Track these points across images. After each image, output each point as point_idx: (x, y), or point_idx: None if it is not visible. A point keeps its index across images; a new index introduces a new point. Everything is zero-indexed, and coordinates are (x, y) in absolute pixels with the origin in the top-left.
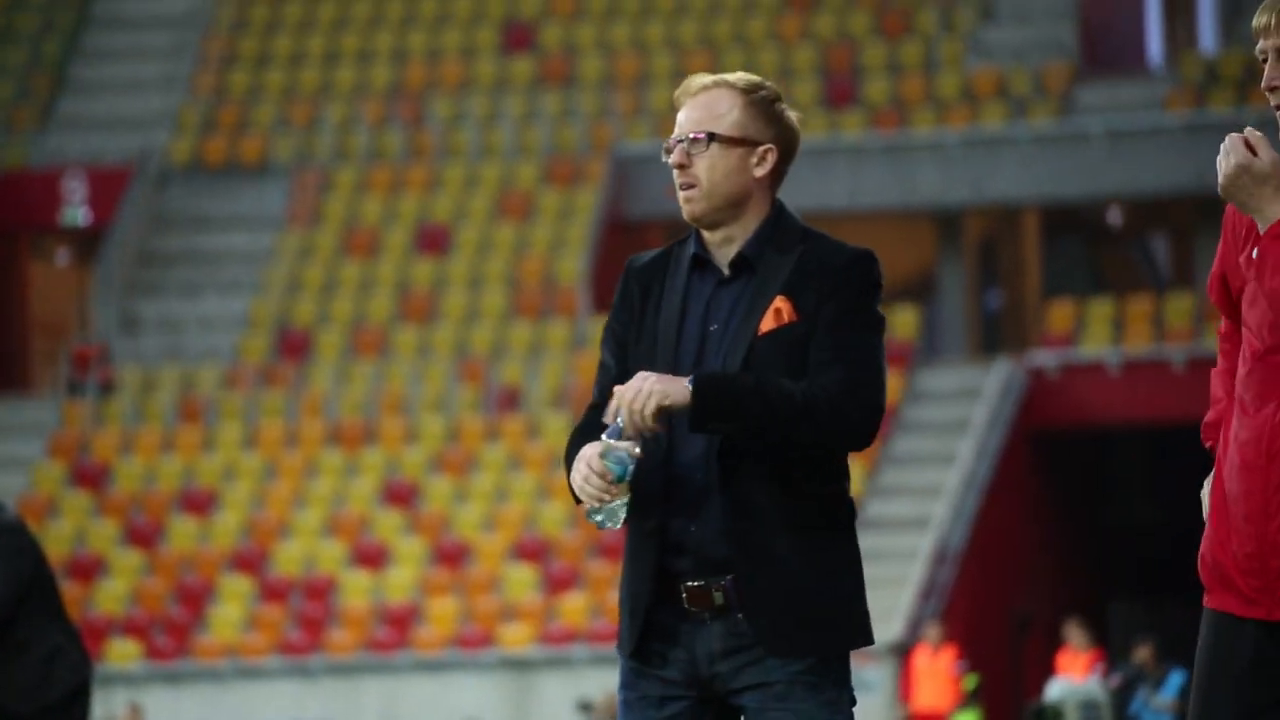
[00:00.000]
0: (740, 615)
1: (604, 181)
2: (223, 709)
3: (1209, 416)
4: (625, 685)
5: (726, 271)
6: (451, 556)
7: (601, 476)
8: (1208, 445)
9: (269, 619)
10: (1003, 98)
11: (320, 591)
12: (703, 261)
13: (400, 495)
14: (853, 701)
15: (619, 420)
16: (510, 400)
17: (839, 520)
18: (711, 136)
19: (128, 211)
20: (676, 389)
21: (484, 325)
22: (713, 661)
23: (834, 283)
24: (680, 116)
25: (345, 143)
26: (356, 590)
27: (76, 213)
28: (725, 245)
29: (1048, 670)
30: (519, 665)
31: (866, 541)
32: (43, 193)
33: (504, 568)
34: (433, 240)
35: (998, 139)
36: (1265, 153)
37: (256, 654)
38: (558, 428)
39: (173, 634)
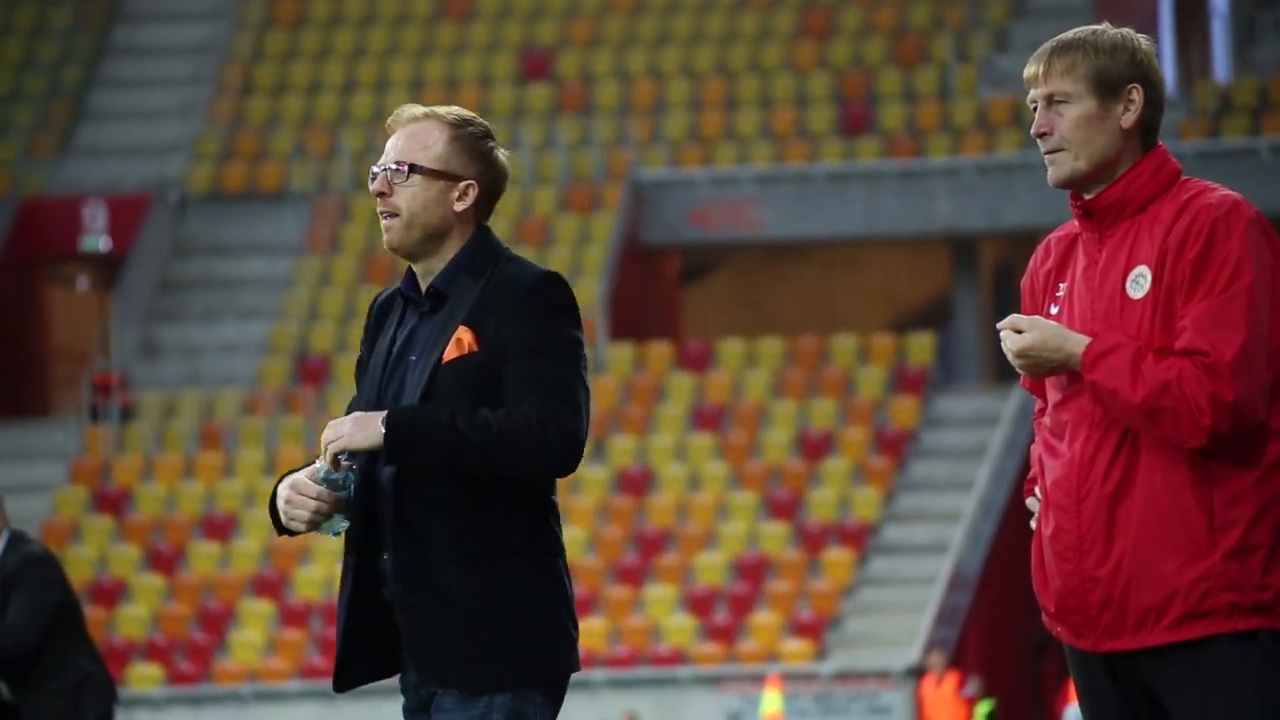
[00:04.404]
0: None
1: (621, 208)
2: None
3: (1030, 475)
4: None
5: (426, 304)
6: None
7: (318, 497)
8: (1028, 500)
9: (290, 642)
10: (1017, 125)
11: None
12: (409, 298)
13: None
14: None
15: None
16: None
17: (523, 549)
18: (413, 168)
19: (147, 238)
20: (366, 433)
21: None
22: (418, 688)
23: (516, 308)
24: (388, 145)
25: (363, 170)
26: None
27: (96, 240)
28: (426, 278)
29: (1065, 695)
30: None
31: (883, 566)
32: (63, 220)
33: None
34: None
35: (1013, 166)
36: (1027, 325)
37: (277, 677)
38: None
39: (194, 658)
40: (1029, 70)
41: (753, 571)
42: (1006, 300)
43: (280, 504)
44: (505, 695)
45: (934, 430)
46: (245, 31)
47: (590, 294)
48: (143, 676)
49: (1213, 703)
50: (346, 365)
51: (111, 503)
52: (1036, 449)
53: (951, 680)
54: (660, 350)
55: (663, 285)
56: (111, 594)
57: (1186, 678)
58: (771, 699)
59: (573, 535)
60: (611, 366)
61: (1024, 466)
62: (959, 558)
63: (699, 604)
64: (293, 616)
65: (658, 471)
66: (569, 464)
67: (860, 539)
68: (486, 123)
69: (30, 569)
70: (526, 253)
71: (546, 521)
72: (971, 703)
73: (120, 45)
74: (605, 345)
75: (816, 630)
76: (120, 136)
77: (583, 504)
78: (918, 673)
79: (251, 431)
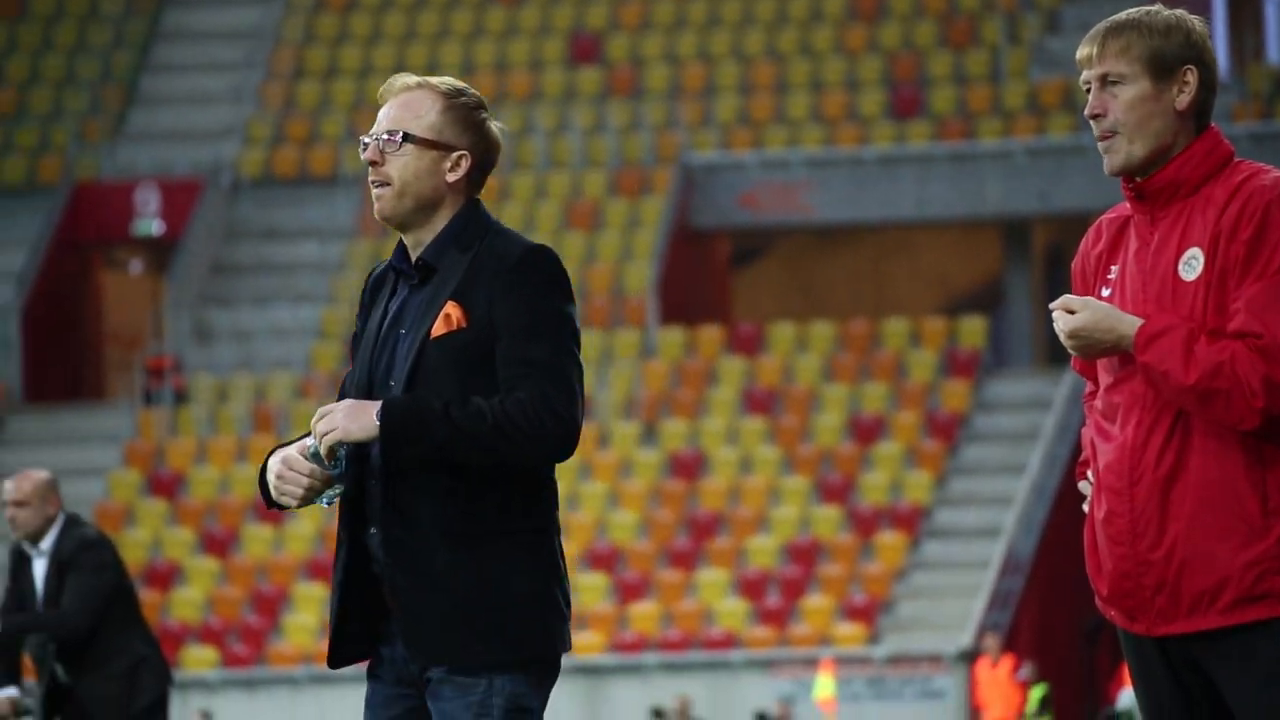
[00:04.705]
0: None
1: (671, 191)
2: (298, 715)
3: (1082, 458)
4: (367, 689)
5: (415, 277)
6: None
7: (310, 475)
8: (1080, 483)
9: None
10: (1069, 108)
11: None
12: (400, 270)
13: None
14: (523, 712)
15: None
16: None
17: (516, 528)
18: (406, 136)
19: (199, 222)
20: (361, 424)
21: None
22: (407, 661)
23: (505, 283)
24: (380, 114)
25: None
26: None
27: (149, 224)
28: (416, 249)
29: (1119, 679)
30: (591, 672)
31: (936, 550)
32: (116, 204)
33: (575, 575)
34: None
35: (1064, 149)
36: (1079, 305)
37: None
38: (627, 435)
39: (248, 641)
40: (1082, 51)
41: (805, 555)
42: (1058, 283)
43: (271, 478)
44: (504, 678)
45: (986, 414)
46: (296, 15)
47: (641, 278)
48: (197, 659)
49: (1266, 686)
50: None
51: (165, 486)
52: (1088, 432)
53: (1007, 664)
54: (711, 334)
55: (713, 269)
56: (165, 577)
57: (1240, 661)
58: (824, 683)
59: (624, 519)
60: (662, 350)
61: (1076, 450)
62: (1011, 542)
63: (751, 587)
64: None
65: (709, 455)
66: (566, 451)
67: (912, 523)
68: (478, 93)
69: (84, 552)
70: (576, 236)
71: (540, 499)
72: (1025, 687)
73: (171, 30)
74: (656, 329)
75: (869, 614)
76: (172, 121)
77: (634, 488)
78: (971, 657)
79: (304, 415)
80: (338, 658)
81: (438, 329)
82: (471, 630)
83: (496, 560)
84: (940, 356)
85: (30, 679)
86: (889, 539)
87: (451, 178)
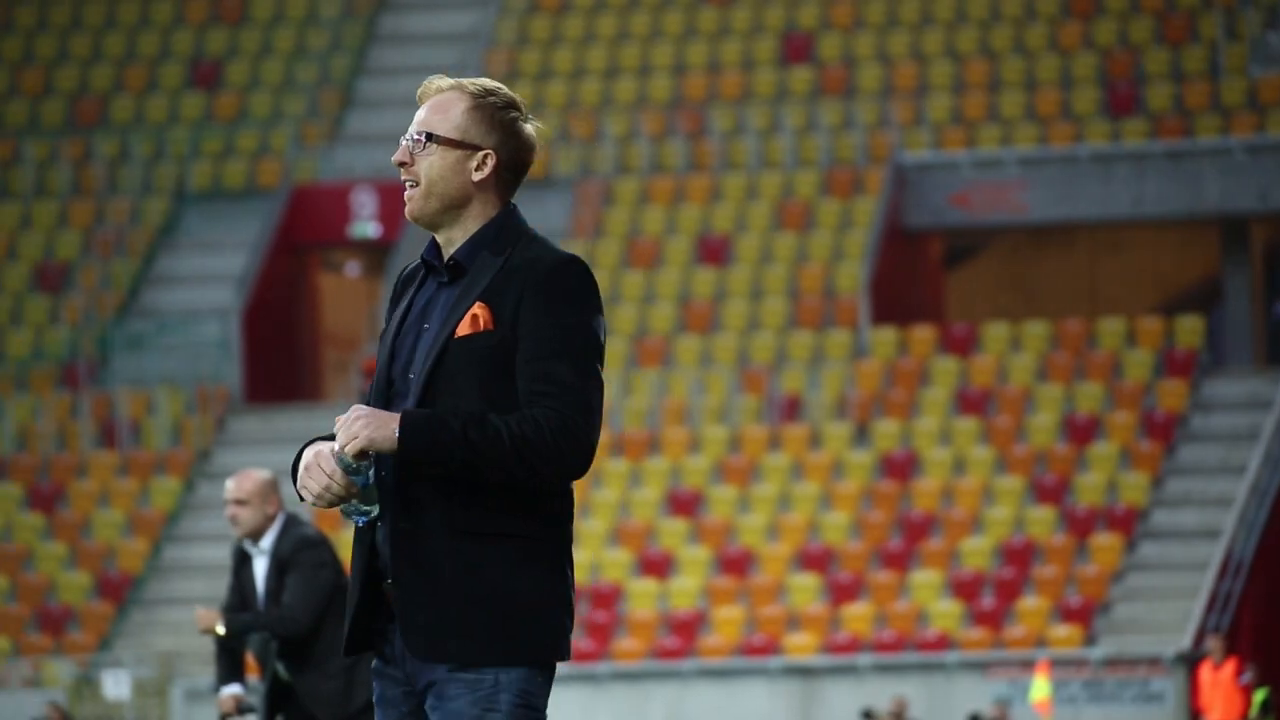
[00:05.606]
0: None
1: (883, 191)
2: None
3: None
4: (377, 688)
5: (445, 275)
6: (736, 565)
7: (331, 475)
8: None
9: None
10: None
11: (607, 599)
12: (431, 265)
13: (684, 504)
14: (530, 710)
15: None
16: (792, 410)
17: (521, 530)
18: (430, 136)
19: (415, 225)
20: (384, 434)
21: (765, 335)
22: (405, 660)
23: (535, 292)
24: (415, 116)
25: (626, 155)
26: (643, 598)
27: (366, 226)
28: (448, 248)
29: None
30: (803, 673)
31: (1153, 551)
32: (333, 206)
33: (788, 576)
34: (713, 251)
35: None
36: None
37: None
38: (839, 436)
39: None
40: None
41: (1019, 556)
42: (1278, 281)
43: (300, 469)
44: (511, 673)
45: (1203, 414)
46: (509, 18)
47: (853, 277)
48: None
49: None
50: (611, 349)
51: None
52: None
53: (1230, 667)
54: (924, 334)
55: (926, 268)
56: None
57: None
58: (1040, 685)
59: (836, 520)
60: (875, 350)
61: None
62: (1231, 543)
63: (965, 589)
64: None
65: (922, 456)
66: (579, 473)
67: (1129, 524)
68: (514, 94)
69: (304, 551)
70: (788, 237)
71: (549, 502)
72: (1248, 690)
73: (388, 33)
74: (868, 329)
75: (1085, 616)
76: (388, 124)
77: (847, 488)
78: (1189, 659)
79: None
80: (353, 647)
81: (463, 329)
82: (474, 629)
83: (501, 560)
84: (1156, 356)
85: (254, 676)
86: (1105, 540)
87: (477, 177)
